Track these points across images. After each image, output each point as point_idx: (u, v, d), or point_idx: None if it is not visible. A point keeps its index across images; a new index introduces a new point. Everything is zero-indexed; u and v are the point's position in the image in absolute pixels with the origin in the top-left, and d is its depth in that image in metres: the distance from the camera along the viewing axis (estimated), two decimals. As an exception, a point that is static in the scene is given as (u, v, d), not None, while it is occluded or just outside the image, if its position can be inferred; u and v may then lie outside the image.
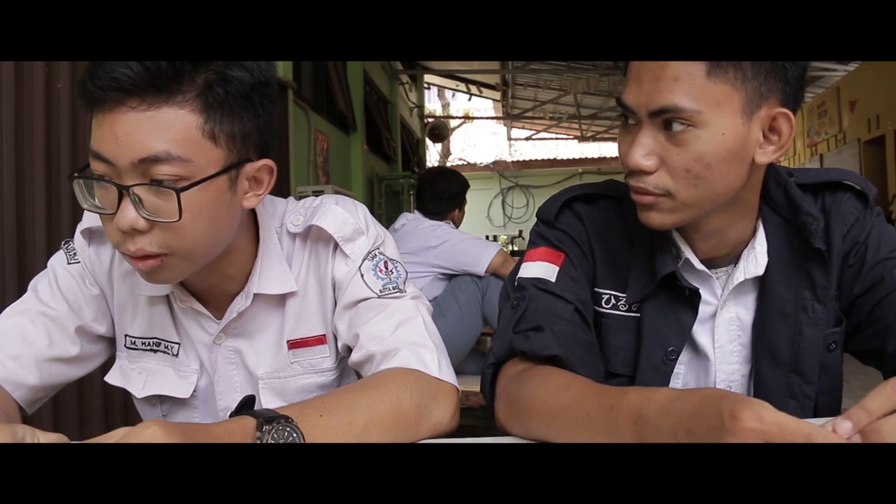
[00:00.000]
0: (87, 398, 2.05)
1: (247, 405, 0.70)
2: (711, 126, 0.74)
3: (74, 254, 0.92)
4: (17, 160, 1.84)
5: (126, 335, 0.93)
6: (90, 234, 0.92)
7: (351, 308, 0.88)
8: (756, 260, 0.87)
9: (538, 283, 0.89)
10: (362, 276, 0.87)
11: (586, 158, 15.29)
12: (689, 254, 0.87)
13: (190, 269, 0.79)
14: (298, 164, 4.48)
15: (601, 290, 0.91)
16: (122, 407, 2.15)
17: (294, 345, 0.91)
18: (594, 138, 13.66)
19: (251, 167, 0.79)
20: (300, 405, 0.69)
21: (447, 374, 0.82)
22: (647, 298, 0.88)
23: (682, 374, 0.93)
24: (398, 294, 0.88)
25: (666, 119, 0.75)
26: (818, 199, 0.91)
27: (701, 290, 0.88)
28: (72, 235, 0.93)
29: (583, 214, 0.93)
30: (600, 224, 0.92)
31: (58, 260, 0.93)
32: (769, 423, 0.49)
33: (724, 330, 0.90)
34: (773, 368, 0.88)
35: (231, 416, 0.66)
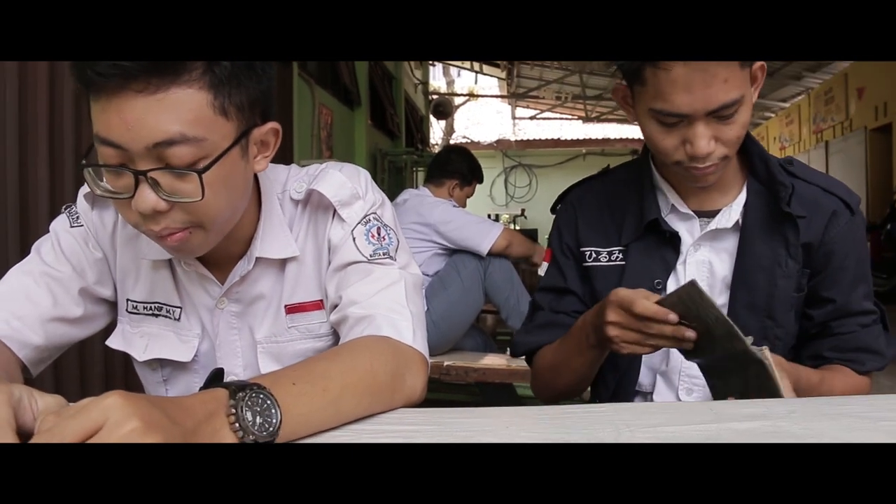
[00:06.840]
0: (89, 364, 2.07)
1: (216, 378, 0.69)
2: (747, 98, 0.92)
3: (77, 217, 0.92)
4: (21, 128, 1.83)
5: (128, 299, 0.94)
6: (93, 198, 0.91)
7: (340, 270, 0.88)
8: (730, 215, 1.04)
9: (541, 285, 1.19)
10: (354, 239, 0.88)
11: (590, 139, 15.20)
12: (675, 200, 1.06)
13: (216, 238, 0.80)
14: (302, 138, 4.46)
15: (584, 249, 1.12)
16: (123, 372, 2.17)
17: (292, 309, 0.92)
18: (599, 119, 13.58)
19: (258, 132, 0.79)
20: (272, 375, 0.67)
21: (420, 344, 0.82)
22: (635, 242, 1.07)
23: None
24: (388, 261, 0.88)
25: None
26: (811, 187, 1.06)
27: (683, 234, 1.05)
28: (75, 201, 0.93)
29: (572, 199, 1.17)
30: (584, 199, 1.15)
31: (60, 223, 0.92)
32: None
33: (694, 269, 1.05)
34: (749, 314, 1.02)
35: (201, 390, 0.64)
